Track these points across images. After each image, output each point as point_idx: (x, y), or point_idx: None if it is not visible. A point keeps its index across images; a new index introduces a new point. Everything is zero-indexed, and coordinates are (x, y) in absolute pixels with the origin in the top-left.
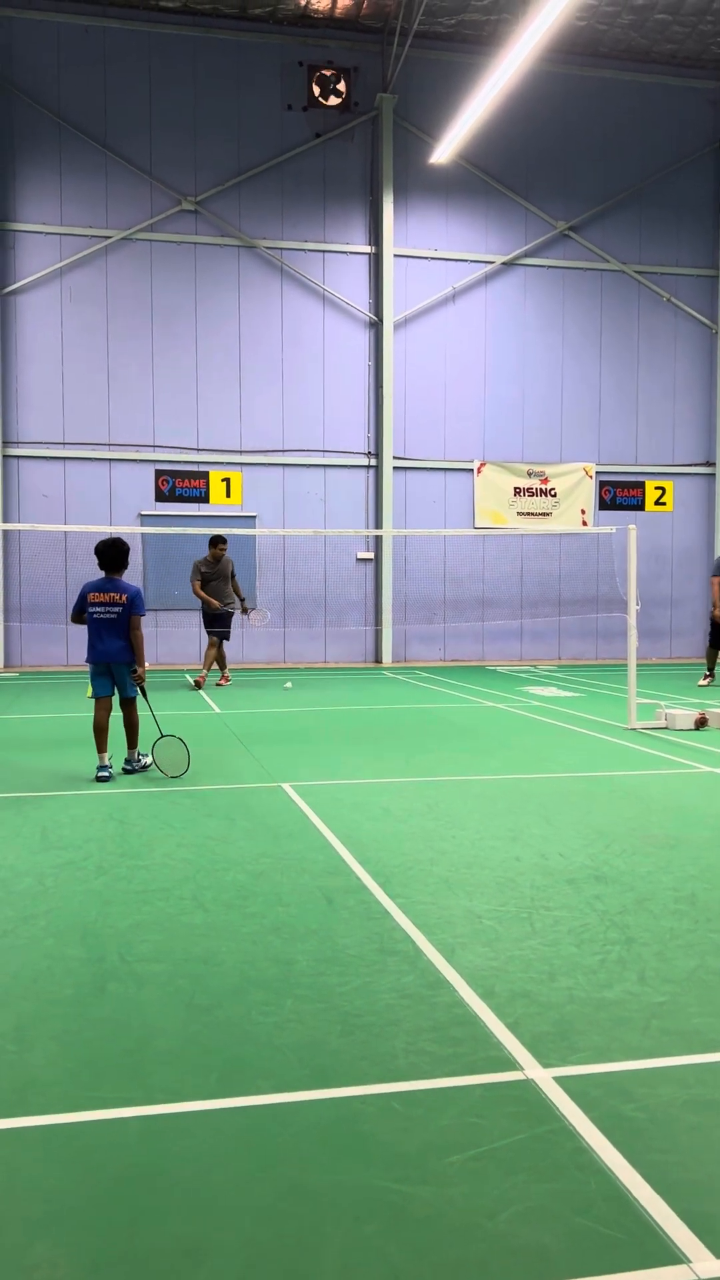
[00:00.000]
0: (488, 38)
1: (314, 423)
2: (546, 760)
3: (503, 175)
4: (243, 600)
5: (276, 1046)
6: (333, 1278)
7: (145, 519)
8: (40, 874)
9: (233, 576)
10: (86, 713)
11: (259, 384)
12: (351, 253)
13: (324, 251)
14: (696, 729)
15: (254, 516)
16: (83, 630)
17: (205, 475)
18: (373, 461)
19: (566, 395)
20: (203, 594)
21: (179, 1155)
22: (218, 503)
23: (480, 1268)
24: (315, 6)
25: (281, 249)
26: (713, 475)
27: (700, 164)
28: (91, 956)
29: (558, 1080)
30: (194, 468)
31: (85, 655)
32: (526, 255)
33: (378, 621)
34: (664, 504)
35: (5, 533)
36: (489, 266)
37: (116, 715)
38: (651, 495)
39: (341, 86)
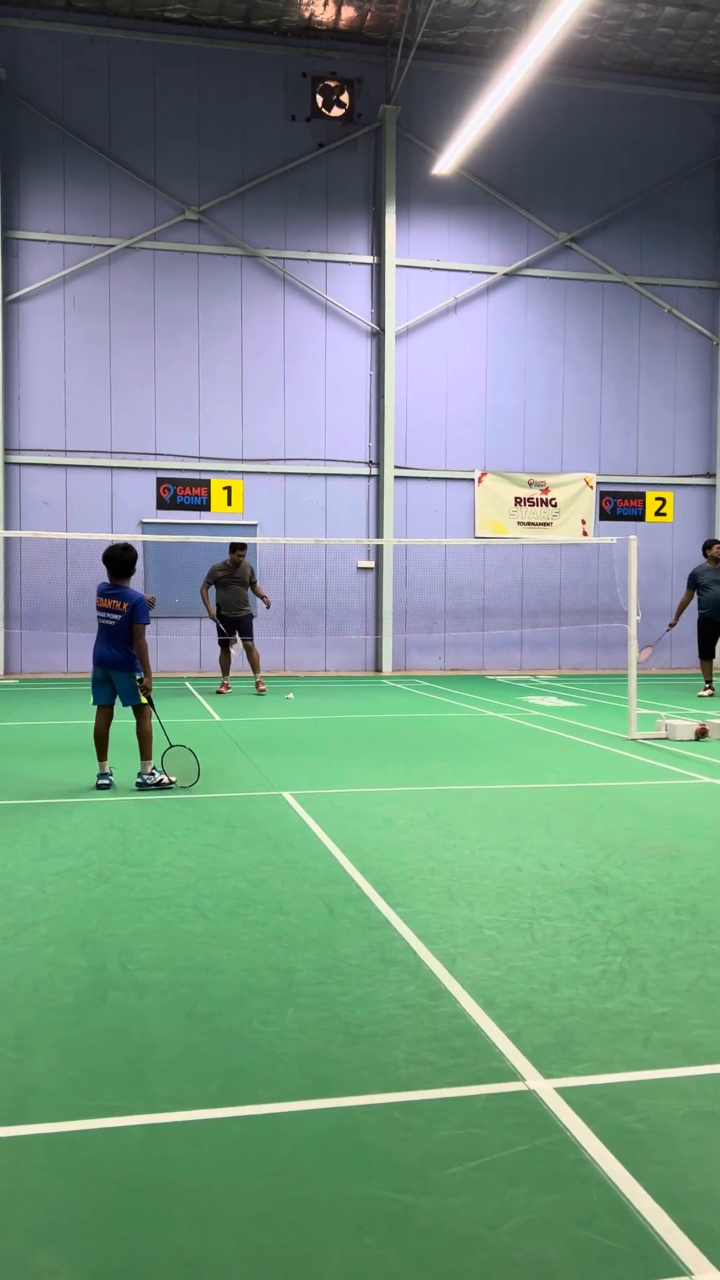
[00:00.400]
0: (490, 50)
1: (315, 432)
2: (547, 770)
3: (505, 186)
4: (266, 600)
5: (278, 1056)
6: None
7: (146, 527)
8: (41, 881)
9: (253, 582)
10: (87, 720)
11: (261, 393)
12: (354, 263)
13: (326, 261)
14: (697, 740)
15: (255, 525)
16: (84, 637)
17: (207, 483)
18: (374, 471)
19: (567, 406)
20: (206, 600)
21: (180, 1164)
22: (219, 511)
23: (482, 1279)
24: (319, 18)
25: (284, 259)
26: (713, 486)
27: (702, 176)
28: (92, 964)
29: (559, 1091)
30: (195, 476)
31: None
32: (528, 266)
33: (378, 630)
34: (664, 514)
35: (6, 540)
36: (490, 277)
37: (117, 724)
38: (652, 506)
39: (345, 98)
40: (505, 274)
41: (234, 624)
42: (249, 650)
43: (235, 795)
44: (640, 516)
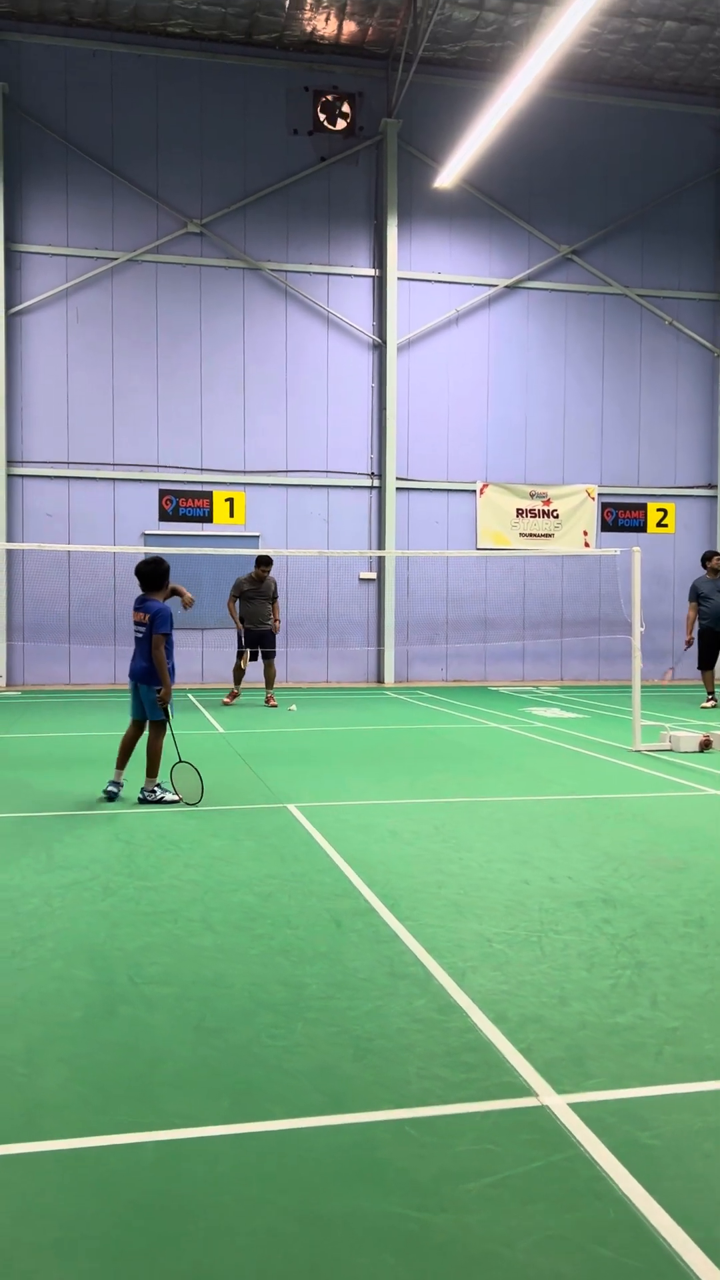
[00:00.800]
0: (491, 64)
1: (317, 444)
2: (552, 782)
3: (506, 199)
4: (276, 624)
5: (288, 1071)
6: None
7: (149, 538)
8: (47, 894)
9: (274, 598)
10: (90, 732)
11: (263, 405)
12: (356, 275)
13: (328, 274)
14: (701, 751)
15: (257, 536)
16: (86, 649)
17: (209, 495)
18: (376, 482)
19: (569, 417)
20: (234, 613)
21: (192, 1181)
22: (221, 522)
23: None
24: (321, 33)
25: (286, 271)
26: (714, 497)
27: (702, 189)
28: (100, 979)
29: (572, 1107)
30: (198, 488)
31: None
32: (529, 278)
33: (380, 642)
34: (666, 525)
35: (9, 552)
36: (492, 289)
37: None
38: (654, 517)
39: (346, 111)
40: (506, 286)
41: (256, 638)
42: (267, 665)
43: (240, 808)
44: (642, 528)
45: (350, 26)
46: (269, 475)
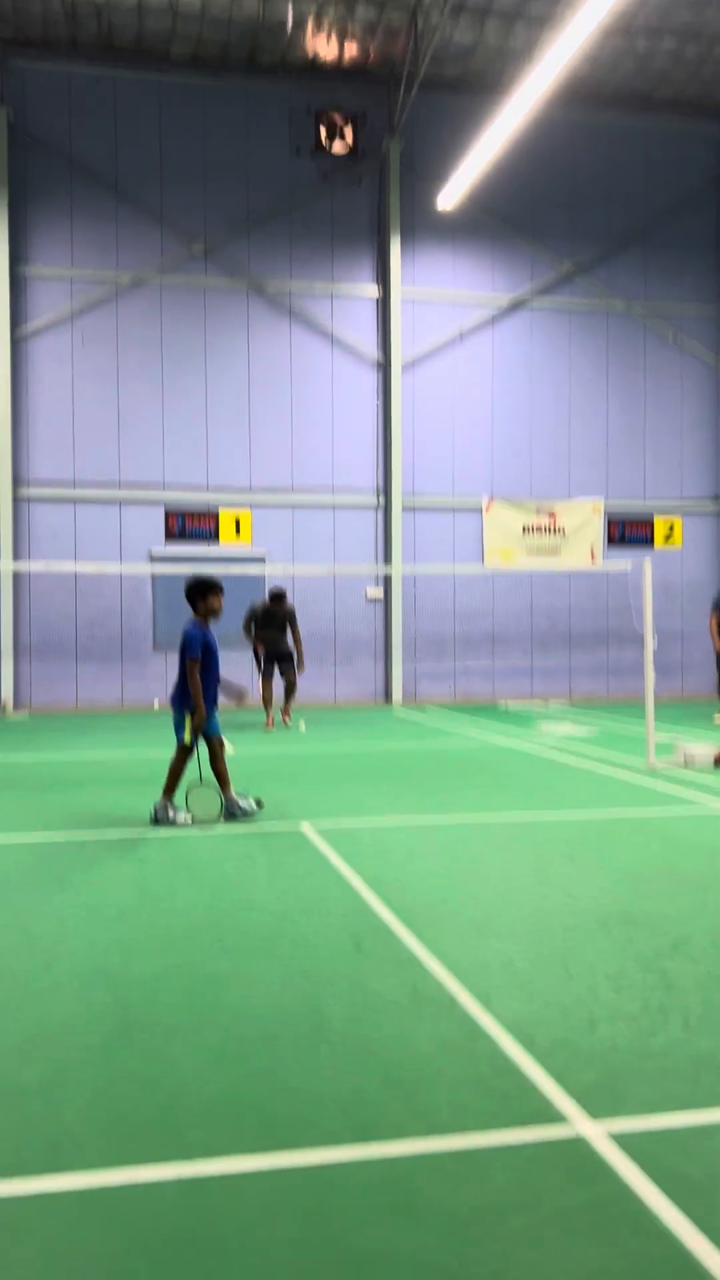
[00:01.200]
0: (493, 85)
1: (323, 463)
2: (566, 799)
3: (508, 217)
4: (301, 661)
5: (314, 1099)
6: None
7: (155, 558)
8: (60, 918)
9: (294, 624)
10: (98, 754)
11: (268, 424)
12: (359, 296)
13: (332, 294)
14: (717, 767)
15: (263, 555)
16: (93, 670)
17: (215, 514)
18: (381, 501)
19: (574, 433)
20: (249, 636)
21: (220, 1215)
22: (228, 542)
23: None
24: (323, 55)
25: (290, 292)
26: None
27: (703, 204)
28: (117, 1005)
29: (611, 1136)
30: (204, 507)
31: None
32: (533, 296)
33: (387, 660)
34: (673, 540)
35: (15, 574)
36: (496, 308)
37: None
38: (660, 531)
39: (349, 132)
40: (510, 304)
41: (274, 657)
42: (286, 679)
43: (253, 828)
44: (649, 542)
45: (352, 49)
46: (275, 494)
